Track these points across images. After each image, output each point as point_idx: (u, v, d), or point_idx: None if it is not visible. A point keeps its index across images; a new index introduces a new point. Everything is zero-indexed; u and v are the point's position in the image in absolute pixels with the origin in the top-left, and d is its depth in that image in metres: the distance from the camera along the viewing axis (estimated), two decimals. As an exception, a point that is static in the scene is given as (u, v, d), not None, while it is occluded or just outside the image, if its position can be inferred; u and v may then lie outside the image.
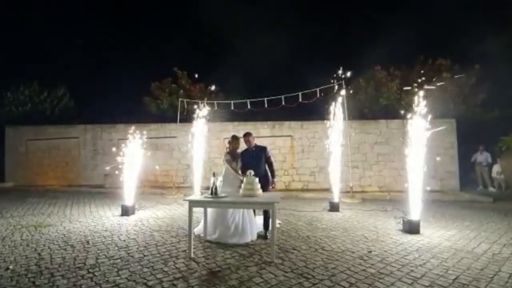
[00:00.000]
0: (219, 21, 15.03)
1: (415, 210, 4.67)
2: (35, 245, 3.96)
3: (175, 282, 2.87)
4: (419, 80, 4.90)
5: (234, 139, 4.73)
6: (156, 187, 10.13)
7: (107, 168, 6.57)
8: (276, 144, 10.08)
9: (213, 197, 3.68)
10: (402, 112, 4.95)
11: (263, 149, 4.66)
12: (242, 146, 4.83)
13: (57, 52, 16.47)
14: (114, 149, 6.57)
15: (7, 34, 15.86)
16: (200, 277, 2.97)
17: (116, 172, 6.32)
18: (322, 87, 8.52)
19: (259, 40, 15.43)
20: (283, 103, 9.46)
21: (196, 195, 4.19)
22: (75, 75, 14.92)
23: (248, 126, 9.95)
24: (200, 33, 18.55)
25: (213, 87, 11.37)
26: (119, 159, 6.17)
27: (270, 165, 4.67)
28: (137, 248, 3.86)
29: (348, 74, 7.82)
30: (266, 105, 9.58)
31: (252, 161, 4.47)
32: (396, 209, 6.47)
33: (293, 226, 5.06)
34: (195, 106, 8.23)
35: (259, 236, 4.35)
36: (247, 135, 4.68)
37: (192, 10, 19.31)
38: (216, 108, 9.88)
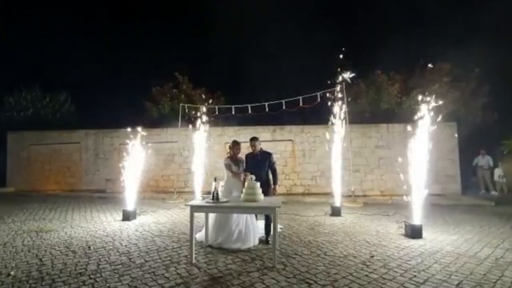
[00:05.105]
0: (221, 26, 15.16)
1: (417, 214, 4.65)
2: (36, 251, 3.95)
3: (176, 288, 2.87)
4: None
5: (235, 144, 4.73)
6: (157, 191, 10.13)
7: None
8: (277, 148, 10.07)
9: (215, 202, 3.68)
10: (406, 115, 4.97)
11: (268, 155, 4.67)
12: (244, 151, 4.84)
13: (58, 57, 16.63)
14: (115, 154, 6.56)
15: (9, 39, 16.03)
16: (201, 283, 2.96)
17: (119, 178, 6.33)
18: (322, 91, 8.55)
19: (260, 44, 15.54)
20: (283, 107, 9.49)
21: (198, 200, 4.18)
22: (77, 80, 15.05)
23: (249, 130, 9.97)
24: (201, 37, 18.72)
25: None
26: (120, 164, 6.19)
27: (274, 171, 4.68)
28: (139, 253, 3.85)
29: (349, 77, 7.84)
30: (267, 109, 9.61)
31: (256, 165, 4.49)
32: (398, 213, 6.45)
33: (295, 231, 5.04)
34: (196, 111, 8.27)
35: (261, 241, 4.33)
36: (253, 139, 4.67)
37: (193, 15, 19.48)
38: (217, 112, 9.92)
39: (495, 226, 5.43)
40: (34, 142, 11.55)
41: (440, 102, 4.73)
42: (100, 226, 5.41)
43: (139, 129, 6.47)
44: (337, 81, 7.56)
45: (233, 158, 4.67)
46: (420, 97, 4.76)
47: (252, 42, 15.38)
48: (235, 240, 4.11)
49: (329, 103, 7.17)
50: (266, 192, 4.21)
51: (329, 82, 7.64)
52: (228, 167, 4.58)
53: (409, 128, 4.92)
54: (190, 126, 8.52)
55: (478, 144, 10.54)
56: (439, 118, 4.82)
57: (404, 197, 4.89)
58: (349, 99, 7.53)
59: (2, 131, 11.80)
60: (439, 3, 14.81)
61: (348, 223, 5.70)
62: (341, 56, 7.21)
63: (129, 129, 6.48)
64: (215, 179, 3.85)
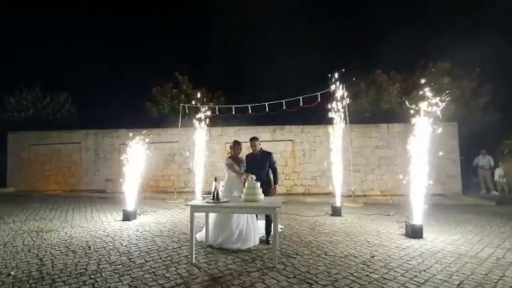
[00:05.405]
0: (221, 26, 15.16)
1: (418, 214, 4.65)
2: (36, 251, 3.95)
3: (177, 288, 2.86)
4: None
5: (236, 144, 4.72)
6: (157, 192, 10.12)
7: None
8: (277, 148, 10.08)
9: (215, 202, 3.67)
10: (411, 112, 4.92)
11: (268, 155, 4.68)
12: (244, 151, 4.83)
13: (58, 57, 16.63)
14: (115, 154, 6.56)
15: (9, 39, 16.04)
16: (202, 283, 2.95)
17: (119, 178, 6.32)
18: (322, 92, 8.53)
19: (260, 44, 15.54)
20: (283, 107, 9.47)
21: (198, 200, 4.18)
22: (77, 80, 15.05)
23: (249, 131, 9.97)
24: (201, 37, 18.72)
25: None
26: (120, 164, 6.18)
27: (275, 171, 4.68)
28: (139, 253, 3.85)
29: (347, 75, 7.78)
30: (267, 109, 9.60)
31: (256, 165, 4.49)
32: (398, 213, 6.44)
33: (295, 231, 5.04)
34: (196, 111, 8.27)
35: (261, 241, 4.33)
36: (253, 139, 4.69)
37: (193, 15, 19.49)
38: (217, 112, 9.91)
39: (496, 226, 5.42)
40: (34, 142, 11.55)
41: (442, 103, 4.70)
42: (100, 226, 5.41)
43: (139, 129, 6.44)
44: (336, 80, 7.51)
45: (234, 158, 4.67)
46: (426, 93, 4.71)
47: (252, 42, 15.38)
48: (235, 240, 4.10)
49: (329, 104, 7.16)
50: (266, 192, 4.20)
51: (332, 85, 7.54)
52: (230, 166, 4.57)
53: (410, 127, 4.89)
54: (191, 125, 8.50)
55: (479, 144, 10.53)
56: (440, 117, 4.81)
57: (407, 196, 4.86)
58: (348, 101, 7.49)
59: (2, 131, 11.80)
60: (440, 2, 14.83)
61: (348, 223, 5.69)
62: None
63: (129, 130, 6.47)
64: (215, 179, 3.84)
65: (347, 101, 7.48)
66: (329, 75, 7.36)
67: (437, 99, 4.70)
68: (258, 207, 3.76)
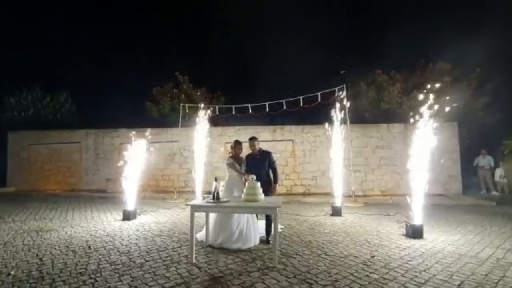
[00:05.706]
0: (221, 26, 15.16)
1: (418, 214, 4.64)
2: (36, 250, 3.95)
3: None
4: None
5: (237, 144, 4.72)
6: (157, 191, 10.12)
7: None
8: (277, 148, 10.07)
9: (215, 202, 3.67)
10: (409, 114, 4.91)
11: (267, 154, 4.68)
12: (245, 151, 4.83)
13: (58, 57, 16.63)
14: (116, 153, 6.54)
15: (9, 39, 16.03)
16: (202, 283, 2.95)
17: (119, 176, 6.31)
18: (323, 91, 8.53)
19: (260, 44, 15.53)
20: (284, 107, 9.47)
21: (198, 200, 4.17)
22: (77, 80, 15.04)
23: (249, 130, 9.96)
24: (202, 37, 18.71)
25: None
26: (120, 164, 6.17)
27: (274, 170, 4.68)
28: (139, 253, 3.85)
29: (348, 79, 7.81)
30: (267, 109, 9.61)
31: (256, 165, 4.49)
32: (398, 213, 6.43)
33: (295, 231, 5.04)
34: (197, 111, 8.27)
35: (261, 241, 4.33)
36: (252, 139, 4.70)
37: (193, 15, 19.48)
38: (217, 112, 9.91)
39: (496, 226, 5.41)
40: (34, 142, 11.55)
41: (443, 101, 4.71)
42: (100, 225, 5.41)
43: (139, 129, 6.45)
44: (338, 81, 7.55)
45: (235, 157, 4.67)
46: (421, 96, 4.72)
47: (252, 42, 15.37)
48: (235, 240, 4.10)
49: (329, 104, 7.16)
50: (266, 191, 4.20)
51: (326, 84, 7.56)
52: (232, 166, 4.58)
53: (410, 128, 4.89)
54: (191, 125, 8.50)
55: (479, 144, 10.53)
56: (440, 118, 4.81)
57: (406, 198, 4.86)
58: (348, 104, 7.51)
59: (2, 131, 11.79)
60: (440, 2, 14.82)
61: (348, 223, 5.69)
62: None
63: (129, 129, 6.45)
64: (215, 179, 3.84)
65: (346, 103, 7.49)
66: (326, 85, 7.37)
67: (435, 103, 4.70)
68: (258, 207, 3.76)
